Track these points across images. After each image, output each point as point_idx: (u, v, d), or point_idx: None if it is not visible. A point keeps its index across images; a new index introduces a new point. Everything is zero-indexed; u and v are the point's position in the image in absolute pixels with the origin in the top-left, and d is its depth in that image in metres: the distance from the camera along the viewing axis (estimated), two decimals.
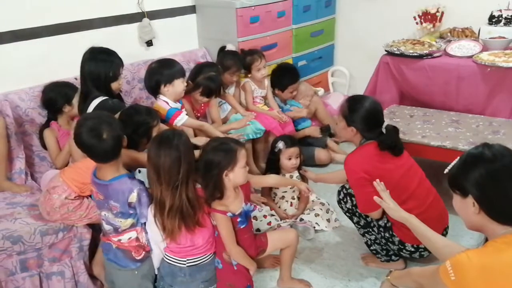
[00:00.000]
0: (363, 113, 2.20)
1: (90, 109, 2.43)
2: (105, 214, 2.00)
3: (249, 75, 3.34)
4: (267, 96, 3.48)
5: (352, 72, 4.43)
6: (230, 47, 3.38)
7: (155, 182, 1.88)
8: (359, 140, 2.27)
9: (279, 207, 2.84)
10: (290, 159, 2.76)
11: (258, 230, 2.65)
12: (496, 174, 1.42)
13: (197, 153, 2.08)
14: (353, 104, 2.26)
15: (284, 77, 3.49)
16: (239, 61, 3.27)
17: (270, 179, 2.58)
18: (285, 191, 2.83)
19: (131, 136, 2.24)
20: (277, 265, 2.40)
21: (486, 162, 1.44)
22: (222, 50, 3.40)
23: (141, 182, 1.98)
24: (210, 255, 2.06)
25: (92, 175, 2.00)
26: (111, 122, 1.93)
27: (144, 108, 2.42)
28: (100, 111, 2.27)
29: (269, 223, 2.72)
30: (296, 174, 2.84)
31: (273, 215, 2.77)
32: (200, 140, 2.62)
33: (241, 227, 2.06)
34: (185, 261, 2.00)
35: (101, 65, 2.48)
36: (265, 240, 2.17)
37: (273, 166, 2.83)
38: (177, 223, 1.89)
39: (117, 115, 2.37)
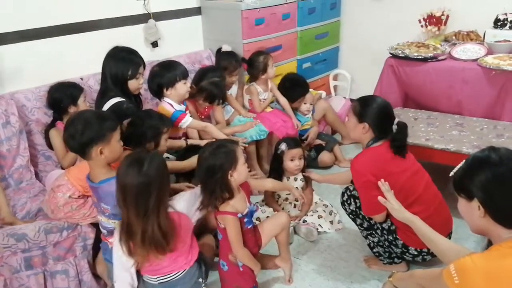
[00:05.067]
0: (376, 108, 2.20)
1: (105, 107, 2.48)
2: (101, 218, 2.03)
3: (263, 76, 3.32)
4: (277, 98, 3.45)
5: (354, 75, 4.43)
6: (225, 47, 3.40)
7: (121, 203, 1.79)
8: (367, 140, 2.25)
9: (283, 209, 2.84)
10: (293, 160, 2.76)
11: None
12: (502, 177, 1.42)
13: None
14: (365, 100, 2.27)
15: (295, 90, 3.46)
16: (235, 60, 3.28)
17: (268, 183, 2.60)
18: (289, 193, 2.83)
19: (139, 139, 2.28)
20: (279, 267, 2.42)
21: (492, 166, 1.44)
22: (219, 51, 3.42)
23: None
24: (184, 271, 1.99)
25: (86, 178, 2.01)
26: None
27: (157, 114, 2.45)
28: (87, 110, 2.30)
29: None
30: (300, 176, 2.83)
31: None
32: (203, 144, 2.63)
33: (248, 227, 2.08)
34: (155, 278, 1.96)
35: (120, 63, 2.55)
36: (259, 236, 2.18)
37: (276, 168, 2.83)
38: (149, 251, 1.82)
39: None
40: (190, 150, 2.62)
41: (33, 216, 2.32)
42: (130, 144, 2.33)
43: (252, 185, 2.33)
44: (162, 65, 2.80)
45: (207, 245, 2.26)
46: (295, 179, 2.82)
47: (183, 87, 2.73)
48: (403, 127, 2.20)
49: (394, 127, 2.19)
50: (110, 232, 2.01)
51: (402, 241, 2.19)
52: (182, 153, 2.65)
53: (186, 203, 1.94)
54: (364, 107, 2.23)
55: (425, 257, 2.22)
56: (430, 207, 2.17)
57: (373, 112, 2.20)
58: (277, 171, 2.80)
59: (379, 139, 2.22)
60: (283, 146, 2.76)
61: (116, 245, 1.88)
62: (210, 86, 2.94)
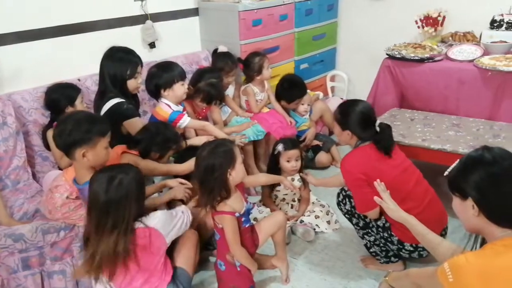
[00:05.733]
0: (355, 116, 2.26)
1: (105, 108, 2.51)
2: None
3: (258, 77, 3.33)
4: (270, 99, 3.48)
5: (351, 76, 4.44)
6: (222, 48, 3.41)
7: (86, 220, 1.83)
8: (354, 142, 2.31)
9: (280, 209, 2.85)
10: (289, 161, 2.76)
11: None
12: (496, 177, 1.43)
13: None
14: (344, 109, 2.34)
15: (293, 91, 3.46)
16: (231, 61, 3.29)
17: (262, 178, 2.67)
18: (286, 194, 2.84)
19: (147, 146, 2.33)
20: (276, 267, 2.43)
21: (486, 165, 1.45)
22: (215, 52, 3.43)
23: None
24: None
25: (73, 180, 2.03)
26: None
27: (174, 131, 2.53)
28: (83, 112, 2.31)
29: None
30: (297, 177, 2.84)
31: None
32: (201, 140, 2.65)
33: (246, 226, 2.09)
34: None
35: (118, 63, 2.57)
36: (256, 236, 2.19)
37: (273, 168, 2.84)
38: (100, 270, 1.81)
39: (128, 122, 2.50)
40: (188, 150, 2.62)
41: (31, 217, 2.33)
42: (136, 147, 2.35)
43: (247, 182, 2.34)
44: (160, 66, 2.80)
45: (188, 239, 2.17)
46: (292, 180, 2.82)
47: (180, 89, 2.74)
48: (385, 129, 2.25)
49: (377, 129, 2.23)
50: None
51: (397, 238, 2.21)
52: (181, 153, 2.66)
53: (158, 220, 1.91)
54: (343, 116, 2.30)
55: (421, 252, 2.23)
56: (422, 203, 2.19)
57: (352, 120, 2.26)
58: (274, 171, 2.81)
59: (366, 140, 2.26)
60: (280, 147, 2.77)
61: None
62: (207, 87, 2.95)
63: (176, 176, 2.56)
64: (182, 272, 2.03)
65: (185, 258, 2.08)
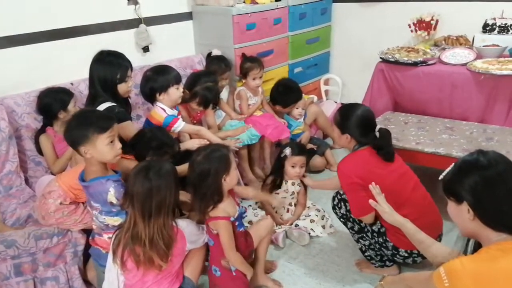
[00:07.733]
0: (355, 120, 2.25)
1: None
2: (94, 213, 2.05)
3: (244, 81, 3.35)
4: (263, 104, 3.48)
5: (344, 80, 4.45)
6: (215, 52, 3.41)
7: (130, 209, 1.87)
8: (353, 146, 2.29)
9: (276, 212, 2.84)
10: (294, 167, 2.75)
11: None
12: (491, 181, 1.43)
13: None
14: (344, 112, 2.32)
15: (289, 96, 3.46)
16: (224, 64, 3.30)
17: (250, 192, 2.63)
18: (284, 197, 2.84)
19: (143, 149, 2.32)
20: (271, 271, 2.42)
21: (481, 169, 1.45)
22: (209, 56, 3.43)
23: (116, 180, 1.97)
24: None
25: (79, 176, 2.02)
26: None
27: (170, 135, 2.53)
28: (91, 110, 2.29)
29: None
30: (297, 181, 2.84)
31: None
32: (193, 143, 2.64)
33: (240, 230, 2.09)
34: None
35: (108, 67, 2.54)
36: (251, 239, 2.19)
37: (277, 169, 2.83)
38: (150, 254, 1.84)
39: (120, 126, 2.40)
40: (182, 154, 2.61)
41: (23, 223, 2.30)
42: (132, 151, 2.34)
43: (236, 191, 2.34)
44: (155, 70, 2.79)
45: (198, 250, 2.17)
46: (293, 184, 2.82)
47: (175, 92, 2.72)
48: (385, 133, 2.24)
49: (377, 134, 2.22)
50: (106, 226, 2.04)
51: (392, 243, 2.21)
52: (178, 158, 2.64)
53: (187, 225, 1.99)
54: (344, 119, 2.28)
55: (416, 258, 2.23)
56: (419, 209, 2.19)
57: (353, 124, 2.25)
58: (278, 172, 2.81)
59: (365, 145, 2.25)
60: (287, 151, 2.75)
61: (109, 262, 1.94)
62: (204, 91, 2.94)
63: None
64: (188, 282, 2.06)
65: (192, 268, 2.10)
